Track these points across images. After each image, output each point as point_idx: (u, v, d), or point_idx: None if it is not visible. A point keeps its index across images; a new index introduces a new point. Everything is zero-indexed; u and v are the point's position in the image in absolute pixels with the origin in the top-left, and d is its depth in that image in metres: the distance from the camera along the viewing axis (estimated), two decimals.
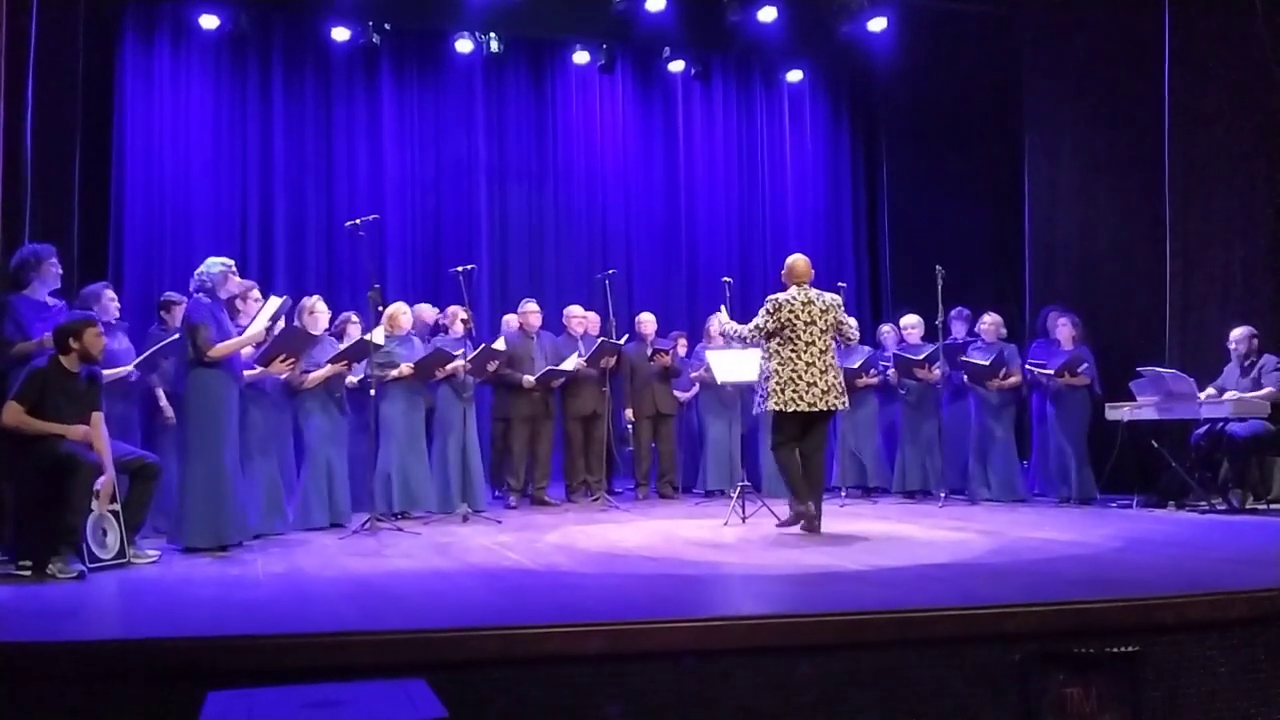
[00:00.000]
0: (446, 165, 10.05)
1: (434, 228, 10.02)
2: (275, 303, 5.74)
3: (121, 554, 4.84)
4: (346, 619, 3.47)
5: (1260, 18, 7.21)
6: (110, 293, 6.14)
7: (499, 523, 6.65)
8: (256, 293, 6.20)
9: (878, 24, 9.60)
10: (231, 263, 5.67)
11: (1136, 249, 8.20)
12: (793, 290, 5.97)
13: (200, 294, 5.50)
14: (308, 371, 6.39)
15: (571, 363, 7.82)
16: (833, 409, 5.91)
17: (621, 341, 8.03)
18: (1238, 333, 7.14)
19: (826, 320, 5.91)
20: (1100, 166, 8.64)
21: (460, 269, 7.25)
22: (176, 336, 5.86)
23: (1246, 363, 7.07)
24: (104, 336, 5.02)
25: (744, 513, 6.53)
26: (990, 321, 8.12)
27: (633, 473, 8.65)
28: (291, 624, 3.38)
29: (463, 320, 7.46)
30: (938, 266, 7.65)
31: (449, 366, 7.12)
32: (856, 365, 8.16)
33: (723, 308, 6.60)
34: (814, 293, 5.98)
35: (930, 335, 8.11)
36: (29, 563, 4.63)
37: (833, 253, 10.88)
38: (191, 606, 3.87)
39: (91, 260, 7.78)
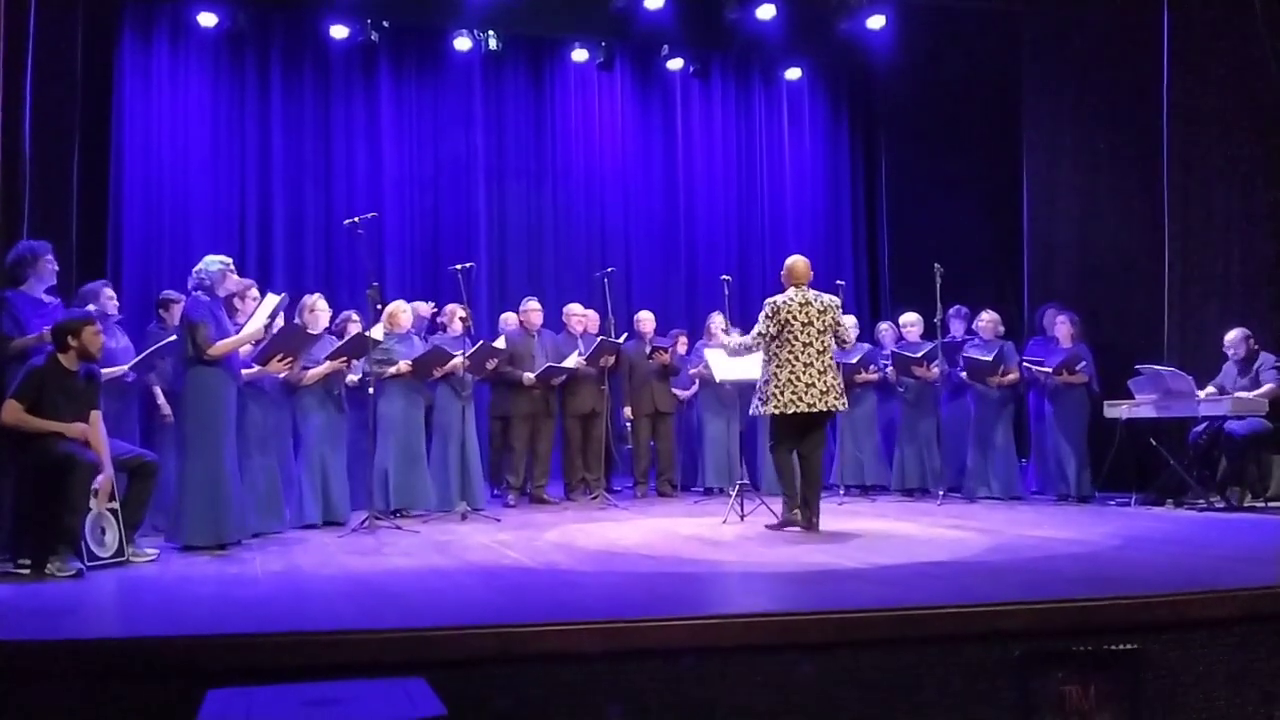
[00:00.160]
0: (445, 163, 10.05)
1: (432, 226, 10.02)
2: (273, 300, 5.73)
3: (120, 552, 4.84)
4: (345, 617, 3.47)
5: (1260, 17, 7.21)
6: (109, 291, 6.14)
7: (498, 521, 6.65)
8: (255, 291, 6.19)
9: (876, 22, 9.59)
10: (230, 261, 5.67)
11: (1135, 248, 8.20)
12: (790, 291, 5.97)
13: (199, 292, 5.50)
14: (306, 368, 6.39)
15: (571, 361, 7.83)
16: (832, 409, 5.91)
17: (621, 340, 8.03)
18: (1232, 336, 7.14)
19: (824, 321, 5.92)
20: (1099, 165, 8.65)
21: (459, 267, 7.25)
22: (174, 338, 5.86)
23: (1244, 362, 7.07)
24: (102, 335, 5.02)
25: (742, 511, 6.53)
26: (988, 319, 8.12)
27: (631, 471, 8.65)
28: (290, 622, 3.38)
29: (461, 318, 7.46)
30: (936, 265, 7.65)
31: (448, 365, 7.12)
32: (854, 361, 8.17)
33: (721, 316, 6.56)
34: (812, 293, 5.98)
35: (929, 333, 8.12)
36: (27, 561, 4.63)
37: (831, 251, 10.88)
38: (190, 605, 3.87)
39: (90, 258, 7.77)
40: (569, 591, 4.02)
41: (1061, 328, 7.83)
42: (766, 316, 5.93)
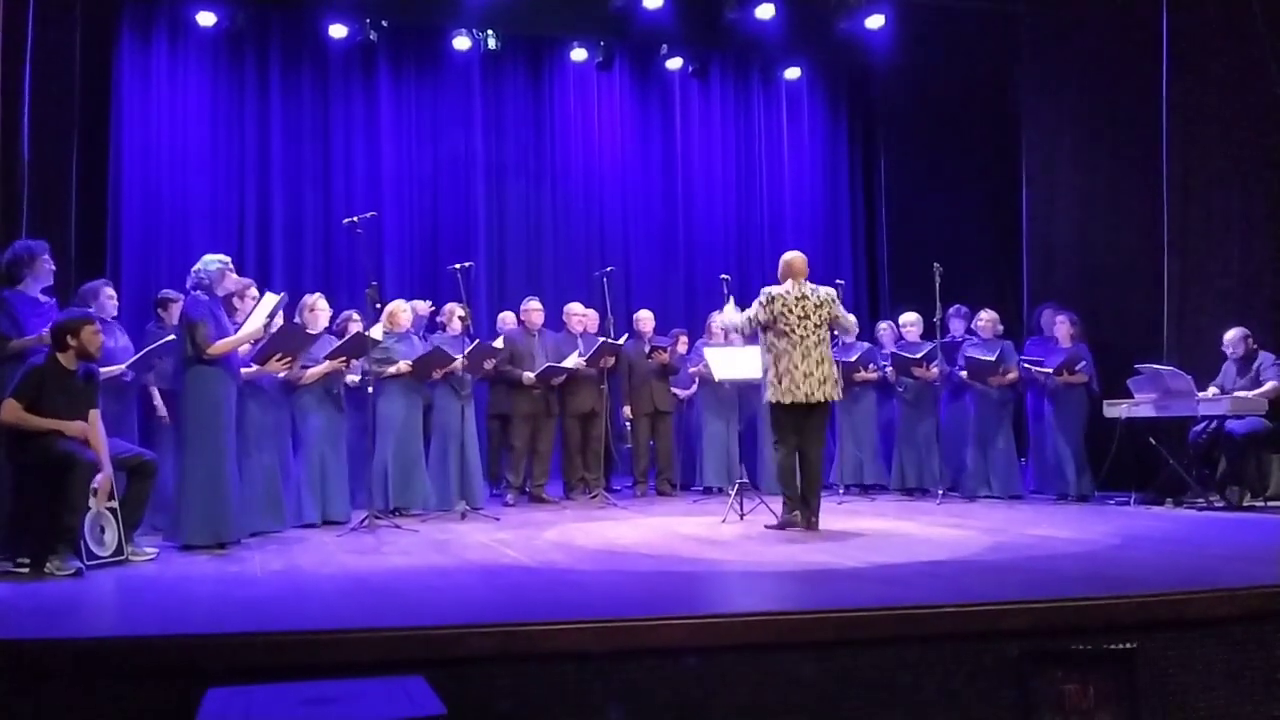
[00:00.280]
0: (444, 162, 10.05)
1: (431, 225, 10.02)
2: (272, 299, 5.71)
3: (119, 551, 4.83)
4: (344, 616, 3.47)
5: (1260, 17, 7.22)
6: (109, 290, 6.13)
7: (497, 520, 6.64)
8: (254, 290, 6.18)
9: (875, 21, 9.59)
10: (228, 260, 5.66)
11: (1134, 247, 8.20)
12: (788, 284, 6.00)
13: (198, 291, 5.49)
14: (306, 367, 6.38)
15: (571, 361, 7.82)
16: (829, 399, 5.93)
17: (621, 341, 8.03)
18: (1231, 335, 7.14)
19: (821, 314, 5.94)
20: (1098, 164, 8.65)
21: (458, 266, 7.25)
22: (172, 337, 5.85)
23: (1243, 361, 7.08)
24: (101, 334, 5.01)
25: (742, 510, 6.53)
26: (987, 318, 8.12)
27: (631, 470, 8.65)
28: (289, 621, 3.37)
29: (460, 318, 7.46)
30: (935, 264, 7.65)
31: (448, 366, 7.12)
32: (854, 360, 8.17)
33: (731, 299, 6.60)
34: (809, 287, 6.00)
35: (928, 333, 8.12)
36: (27, 560, 4.63)
37: (830, 250, 10.88)
38: (189, 604, 3.86)
39: (89, 257, 7.78)
40: (568, 590, 4.02)
41: (1061, 327, 7.83)
42: (761, 304, 5.97)
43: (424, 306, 7.83)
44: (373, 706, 2.42)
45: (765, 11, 9.61)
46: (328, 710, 2.39)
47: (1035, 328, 8.41)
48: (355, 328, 6.79)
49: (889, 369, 8.28)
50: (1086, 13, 8.64)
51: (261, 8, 9.41)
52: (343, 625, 3.19)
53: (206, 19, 9.06)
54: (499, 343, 7.67)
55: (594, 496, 7.89)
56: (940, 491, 7.71)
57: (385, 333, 6.85)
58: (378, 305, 6.60)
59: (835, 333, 6.29)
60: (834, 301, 6.06)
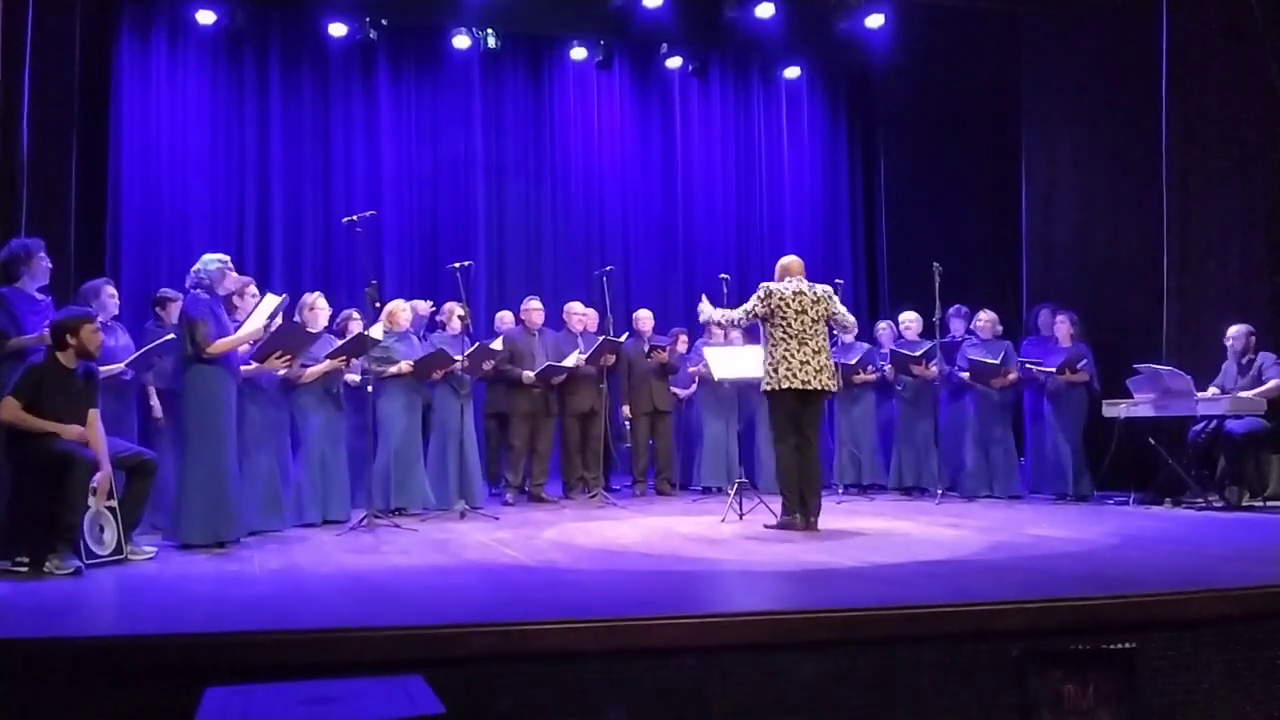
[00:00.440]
0: (444, 161, 10.05)
1: (431, 224, 10.02)
2: (273, 301, 5.71)
3: (119, 550, 4.83)
4: (344, 615, 3.47)
5: (1260, 18, 7.21)
6: (110, 289, 6.13)
7: (496, 519, 6.64)
8: (253, 288, 6.18)
9: (875, 21, 9.59)
10: (228, 259, 5.66)
11: (1134, 247, 8.20)
12: (785, 280, 6.03)
13: (197, 290, 5.49)
14: (306, 366, 6.38)
15: (571, 360, 7.82)
16: (826, 389, 5.95)
17: (621, 339, 8.03)
18: (1235, 330, 7.14)
19: (818, 311, 5.97)
20: (1098, 164, 8.65)
21: (457, 265, 7.25)
22: (171, 336, 5.85)
23: (1244, 360, 7.08)
24: (101, 333, 5.01)
25: (741, 509, 6.53)
26: (986, 318, 8.12)
27: (630, 469, 8.65)
28: (289, 620, 3.37)
29: (460, 317, 7.46)
30: (935, 264, 7.66)
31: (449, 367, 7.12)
32: (853, 361, 8.18)
33: (704, 297, 6.62)
34: (805, 284, 6.03)
35: (928, 332, 8.12)
36: (26, 559, 4.62)
37: (830, 249, 10.89)
38: (189, 603, 3.86)
39: (88, 256, 7.79)
40: (567, 590, 4.02)
41: (1061, 327, 7.83)
42: (759, 298, 5.99)
43: (424, 306, 7.83)
44: (372, 706, 2.42)
45: (765, 11, 9.61)
46: (327, 710, 2.39)
47: (1032, 328, 8.41)
48: (355, 327, 6.78)
49: (887, 367, 8.28)
50: (1086, 13, 8.64)
51: (261, 7, 9.41)
52: (342, 625, 3.19)
53: (206, 18, 9.06)
54: (498, 343, 7.67)
55: (593, 496, 7.89)
56: (939, 491, 7.72)
57: (385, 332, 6.84)
58: (377, 304, 6.60)
59: (834, 331, 6.31)
60: (831, 298, 6.08)
